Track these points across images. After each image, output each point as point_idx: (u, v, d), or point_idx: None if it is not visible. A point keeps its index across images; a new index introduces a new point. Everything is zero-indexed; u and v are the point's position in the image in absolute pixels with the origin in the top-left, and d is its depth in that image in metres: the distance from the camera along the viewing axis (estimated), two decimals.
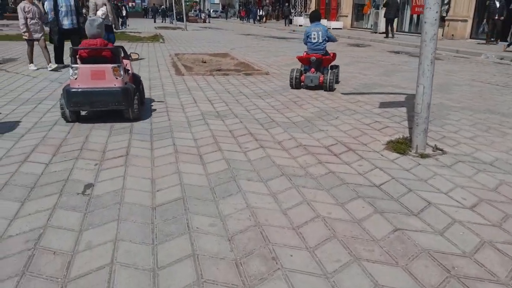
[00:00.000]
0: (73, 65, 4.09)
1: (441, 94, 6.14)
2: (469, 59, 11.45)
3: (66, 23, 7.64)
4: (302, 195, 2.69)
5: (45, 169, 3.01)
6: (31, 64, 7.73)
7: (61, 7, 7.50)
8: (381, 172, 3.13)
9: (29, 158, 3.21)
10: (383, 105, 5.43)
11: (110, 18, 8.60)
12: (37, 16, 7.39)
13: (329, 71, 6.30)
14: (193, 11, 47.70)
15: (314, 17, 6.49)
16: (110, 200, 2.53)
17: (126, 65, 4.53)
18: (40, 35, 7.53)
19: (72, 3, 7.66)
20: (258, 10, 38.56)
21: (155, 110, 4.88)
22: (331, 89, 6.20)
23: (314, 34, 6.24)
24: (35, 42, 7.58)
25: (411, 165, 3.29)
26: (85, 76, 4.09)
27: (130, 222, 2.29)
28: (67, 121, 4.24)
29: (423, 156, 3.46)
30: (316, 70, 6.28)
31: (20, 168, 3.02)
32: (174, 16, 31.36)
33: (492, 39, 14.66)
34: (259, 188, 2.77)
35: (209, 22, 38.60)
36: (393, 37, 17.61)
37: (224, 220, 2.33)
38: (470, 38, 17.00)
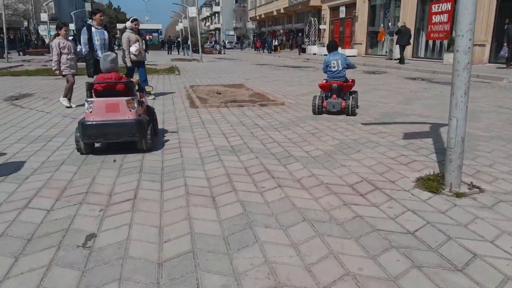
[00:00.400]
0: (88, 99, 4.21)
1: (467, 123, 5.77)
2: (490, 83, 11.10)
3: (100, 56, 7.61)
4: (327, 245, 2.38)
5: (46, 216, 2.78)
6: (65, 98, 7.46)
7: (96, 40, 7.44)
8: (414, 216, 2.80)
9: (30, 204, 3.00)
10: (407, 136, 5.12)
11: (142, 54, 8.46)
12: (72, 51, 7.36)
13: (351, 96, 6.54)
14: (208, 42, 48.65)
15: (332, 47, 6.82)
16: (112, 254, 2.27)
17: (140, 97, 4.59)
18: (75, 70, 7.49)
19: (106, 37, 7.63)
20: (273, 40, 39.08)
21: (167, 144, 4.68)
22: (353, 113, 6.40)
23: (334, 63, 6.52)
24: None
25: (446, 206, 2.95)
26: (100, 109, 4.18)
27: (132, 283, 2.01)
28: (82, 153, 4.28)
29: (458, 195, 3.12)
30: (337, 96, 6.49)
31: (20, 215, 2.80)
32: (190, 48, 31.88)
33: (511, 64, 14.32)
34: (278, 237, 2.48)
35: (224, 53, 39.20)
36: (403, 63, 17.50)
37: (239, 280, 2.03)
38: (489, 62, 16.66)
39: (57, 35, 7.39)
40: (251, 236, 2.49)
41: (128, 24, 8.36)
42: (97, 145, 4.50)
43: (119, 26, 46.53)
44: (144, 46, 8.75)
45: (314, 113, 6.54)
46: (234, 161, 4.04)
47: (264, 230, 2.57)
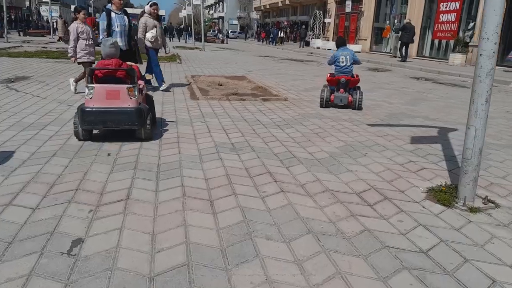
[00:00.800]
0: (89, 85, 4.17)
1: None
2: (497, 87, 10.87)
3: (120, 44, 6.84)
4: (334, 263, 2.19)
5: (31, 216, 2.57)
6: (75, 83, 7.14)
7: (116, 27, 6.94)
8: (427, 232, 2.61)
9: (15, 201, 2.79)
10: (414, 140, 4.92)
11: (159, 41, 7.89)
12: (91, 36, 6.89)
13: (357, 91, 6.72)
14: (211, 31, 48.13)
15: (341, 43, 7.05)
16: (99, 265, 2.07)
17: (140, 85, 4.49)
18: (93, 57, 6.98)
19: (127, 23, 7.12)
20: (279, 32, 38.55)
21: (165, 139, 4.47)
22: (359, 107, 6.67)
23: (343, 58, 6.70)
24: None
25: (460, 222, 2.76)
26: (100, 96, 4.14)
27: None
28: (79, 139, 4.25)
29: (473, 210, 2.93)
30: (344, 90, 6.71)
31: (2, 214, 2.59)
32: (193, 35, 31.43)
33: None
34: (281, 252, 2.28)
35: (227, 43, 38.78)
36: (405, 61, 17.31)
37: None
38: (496, 65, 16.41)
39: (75, 19, 6.93)
40: (252, 249, 2.30)
41: (147, 8, 7.69)
42: (95, 132, 4.45)
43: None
44: (162, 33, 8.09)
45: (322, 106, 6.74)
46: (235, 161, 3.84)
47: (266, 242, 2.38)
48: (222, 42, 39.83)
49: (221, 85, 9.31)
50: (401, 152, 4.39)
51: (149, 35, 7.57)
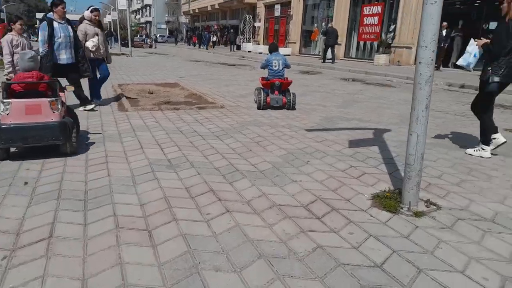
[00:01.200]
0: (5, 100, 3.89)
1: (405, 128, 5.82)
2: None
3: (63, 57, 6.16)
4: None
5: None
6: None
7: (58, 38, 6.05)
8: (378, 243, 2.55)
9: None
10: (352, 144, 4.97)
11: (101, 51, 7.11)
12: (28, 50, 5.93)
13: (290, 93, 7.22)
14: (138, 36, 46.53)
15: (274, 49, 7.53)
16: None
17: (61, 97, 4.24)
18: None
19: (71, 33, 6.25)
20: (212, 36, 38.22)
21: (92, 159, 4.04)
22: (293, 108, 7.15)
23: (275, 63, 7.15)
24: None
25: (408, 229, 2.75)
26: (18, 111, 3.89)
27: None
28: None
29: (417, 214, 2.95)
30: (279, 92, 7.15)
31: None
32: (119, 41, 29.99)
33: (435, 65, 15.23)
34: (232, 285, 2.07)
35: (155, 48, 37.69)
36: (333, 62, 18.23)
37: None
38: (415, 64, 17.58)
39: (10, 30, 6.08)
40: (200, 285, 2.06)
41: (87, 14, 6.92)
42: (12, 149, 4.13)
43: (38, 15, 42.64)
44: (105, 41, 7.27)
45: (259, 108, 7.10)
46: (173, 180, 3.55)
47: (215, 274, 2.15)
48: (151, 47, 38.70)
49: (151, 93, 8.87)
50: (341, 157, 4.39)
51: (89, 43, 6.78)
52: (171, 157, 4.20)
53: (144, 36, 44.90)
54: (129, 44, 24.99)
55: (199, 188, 3.36)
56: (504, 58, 4.10)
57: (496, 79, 4.14)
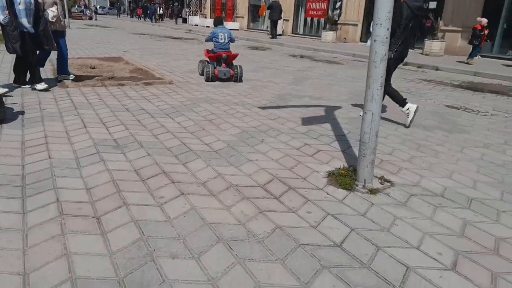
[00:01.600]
0: None
1: (357, 105, 5.93)
2: (365, 63, 11.85)
3: (27, 26, 5.48)
4: (251, 276, 1.96)
5: None
6: None
7: (19, 3, 5.29)
8: (336, 222, 2.55)
9: None
10: (305, 121, 4.96)
11: (62, 22, 6.41)
12: None
13: (237, 65, 7.42)
14: (76, 7, 43.45)
15: (219, 22, 7.71)
16: None
17: None
18: None
19: (33, 1, 5.52)
20: (158, 8, 36.49)
21: (29, 140, 3.69)
22: (240, 80, 7.36)
23: (221, 35, 7.35)
24: None
25: (364, 206, 2.78)
26: None
27: None
28: None
29: (372, 191, 2.99)
30: (226, 65, 7.38)
31: None
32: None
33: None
34: (190, 271, 1.97)
35: (96, 20, 35.43)
36: (275, 38, 18.37)
37: None
38: (360, 41, 18.02)
39: None
40: (156, 273, 1.93)
41: None
42: None
43: None
44: (64, 11, 6.49)
45: (207, 80, 7.20)
46: (121, 161, 3.32)
47: (172, 262, 2.03)
48: (90, 18, 36.34)
49: (93, 68, 8.32)
50: (295, 135, 4.36)
51: (50, 14, 5.98)
52: (117, 137, 3.94)
53: (82, 7, 41.97)
54: (66, 15, 23.18)
55: (150, 170, 3.18)
56: (400, 36, 4.54)
57: (391, 55, 4.51)
